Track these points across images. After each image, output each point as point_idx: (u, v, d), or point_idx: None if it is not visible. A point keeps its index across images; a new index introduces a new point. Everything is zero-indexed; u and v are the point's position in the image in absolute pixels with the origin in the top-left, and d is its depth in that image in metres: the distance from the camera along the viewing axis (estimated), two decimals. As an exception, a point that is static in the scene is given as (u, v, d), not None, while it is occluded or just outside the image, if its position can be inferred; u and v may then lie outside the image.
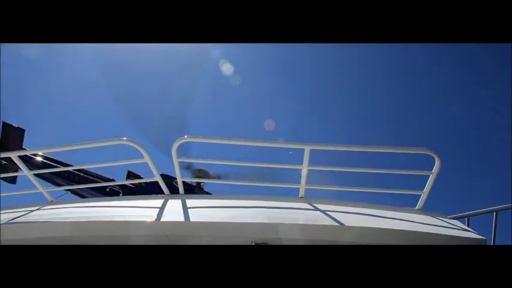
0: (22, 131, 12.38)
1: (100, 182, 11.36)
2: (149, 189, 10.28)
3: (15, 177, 11.82)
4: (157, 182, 4.17)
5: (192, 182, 13.48)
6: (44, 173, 10.52)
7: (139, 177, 11.41)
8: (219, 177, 12.94)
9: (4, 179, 11.63)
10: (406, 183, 4.08)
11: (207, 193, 13.15)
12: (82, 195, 11.77)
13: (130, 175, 11.83)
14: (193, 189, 13.14)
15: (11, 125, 12.39)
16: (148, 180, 4.54)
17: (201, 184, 13.74)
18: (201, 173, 13.22)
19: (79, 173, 12.28)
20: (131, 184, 12.48)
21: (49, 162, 11.86)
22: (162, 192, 4.28)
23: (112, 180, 12.07)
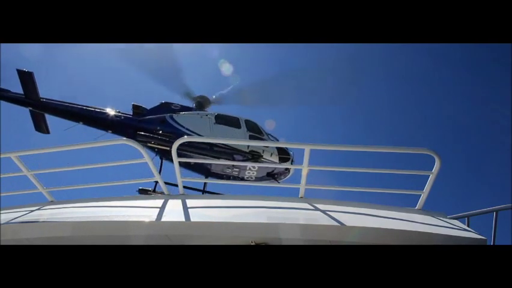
0: (31, 73, 12.18)
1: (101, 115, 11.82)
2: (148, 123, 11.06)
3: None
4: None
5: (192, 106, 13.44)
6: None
7: (142, 109, 11.96)
8: (219, 101, 13.14)
9: (40, 130, 12.25)
10: (406, 183, 4.08)
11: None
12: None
13: (134, 107, 12.17)
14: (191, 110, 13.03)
15: (24, 71, 12.11)
16: (147, 181, 4.54)
17: (204, 108, 13.68)
18: (201, 99, 13.32)
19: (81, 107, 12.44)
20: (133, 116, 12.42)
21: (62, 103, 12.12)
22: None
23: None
